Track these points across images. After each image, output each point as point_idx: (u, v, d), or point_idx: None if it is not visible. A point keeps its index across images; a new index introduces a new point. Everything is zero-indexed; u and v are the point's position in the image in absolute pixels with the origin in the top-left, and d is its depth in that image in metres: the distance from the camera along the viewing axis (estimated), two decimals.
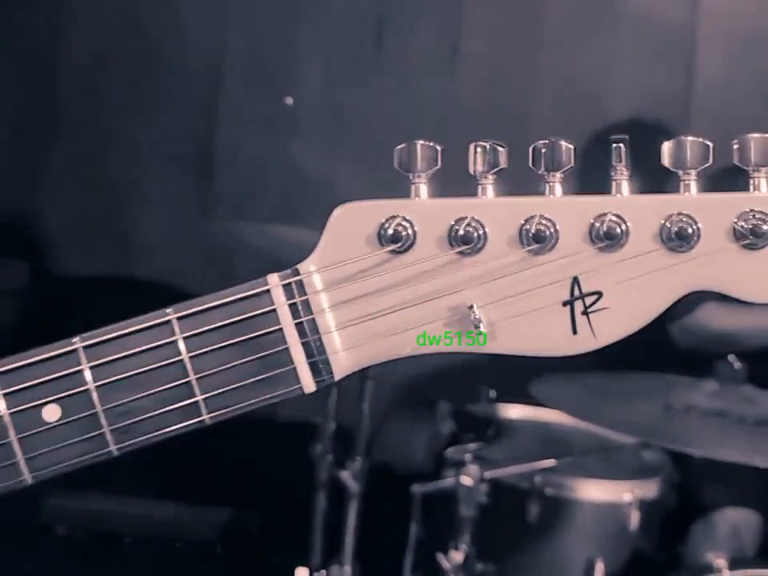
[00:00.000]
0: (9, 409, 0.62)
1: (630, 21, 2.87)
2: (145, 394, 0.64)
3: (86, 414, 0.64)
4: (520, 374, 1.70)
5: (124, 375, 0.64)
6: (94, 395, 0.63)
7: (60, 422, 0.63)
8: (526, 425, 2.10)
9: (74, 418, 0.64)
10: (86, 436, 0.64)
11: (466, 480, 1.65)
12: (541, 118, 2.92)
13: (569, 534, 1.90)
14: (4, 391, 0.63)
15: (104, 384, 0.64)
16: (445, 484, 1.72)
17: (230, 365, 0.66)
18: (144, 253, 3.14)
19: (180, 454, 2.98)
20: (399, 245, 0.68)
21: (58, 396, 0.63)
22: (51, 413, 0.63)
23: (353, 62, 3.13)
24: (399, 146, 0.71)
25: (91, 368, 0.63)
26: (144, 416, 0.65)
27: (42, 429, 0.64)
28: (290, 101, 3.12)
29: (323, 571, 2.16)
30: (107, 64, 3.13)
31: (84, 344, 0.63)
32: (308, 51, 3.12)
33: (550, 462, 1.79)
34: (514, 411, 2.13)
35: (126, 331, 0.63)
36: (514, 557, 1.87)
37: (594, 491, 1.93)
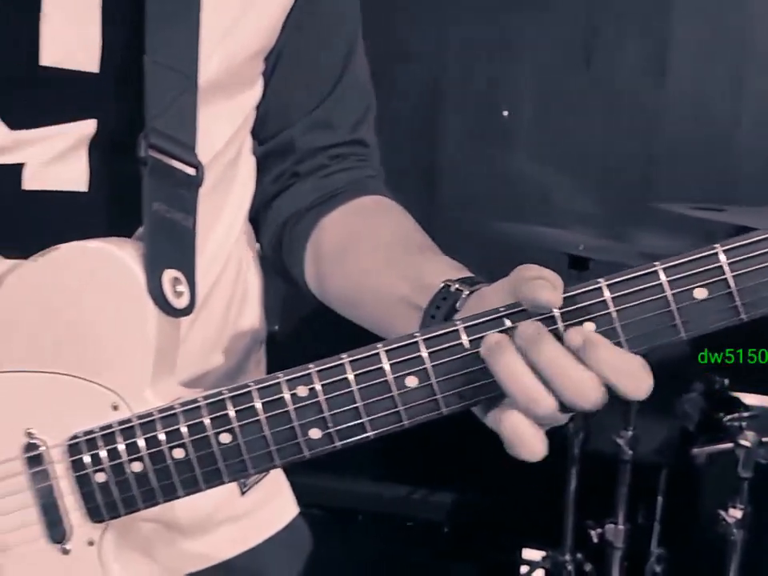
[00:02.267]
0: None
1: None
2: None
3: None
4: None
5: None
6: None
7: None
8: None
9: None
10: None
11: (746, 442, 1.84)
12: (747, 137, 3.00)
13: None
14: None
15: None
16: (723, 447, 1.90)
17: None
18: None
19: (412, 438, 3.18)
20: None
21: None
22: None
23: (563, 78, 3.31)
24: None
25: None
26: None
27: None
28: (505, 114, 3.32)
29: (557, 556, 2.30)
30: None
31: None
32: (522, 68, 3.27)
33: None
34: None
35: None
36: None
37: None
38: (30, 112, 0.83)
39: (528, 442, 0.68)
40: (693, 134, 3.08)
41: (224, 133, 0.92)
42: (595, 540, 2.10)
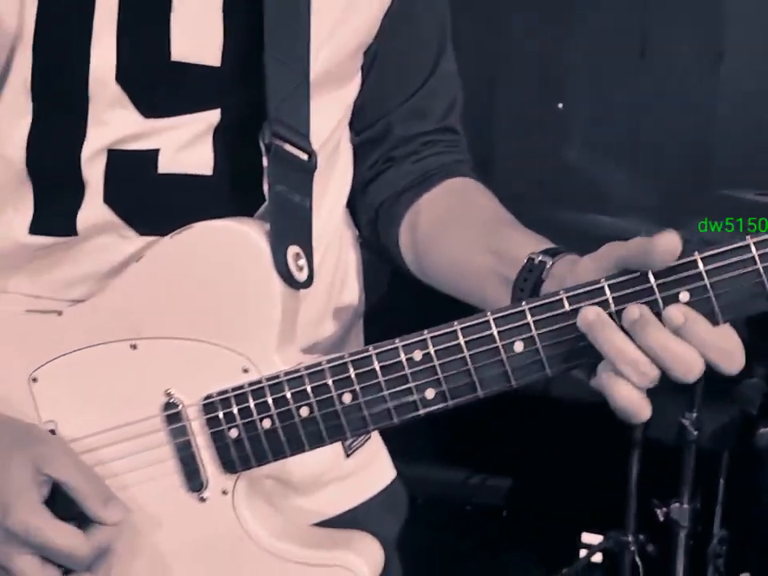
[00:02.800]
0: None
1: None
2: None
3: None
4: None
5: None
6: None
7: None
8: None
9: None
10: None
11: None
12: None
13: None
14: None
15: None
16: None
17: None
18: None
19: (471, 422, 3.22)
20: None
21: None
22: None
23: (618, 69, 3.35)
24: None
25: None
26: None
27: None
28: (560, 106, 3.37)
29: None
30: None
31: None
32: (576, 60, 3.30)
33: None
34: None
35: None
36: None
37: None
38: (162, 103, 0.91)
39: (639, 407, 0.76)
40: (748, 121, 3.09)
41: (328, 123, 1.00)
42: (661, 518, 2.15)
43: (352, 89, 1.03)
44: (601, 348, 0.76)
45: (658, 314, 0.76)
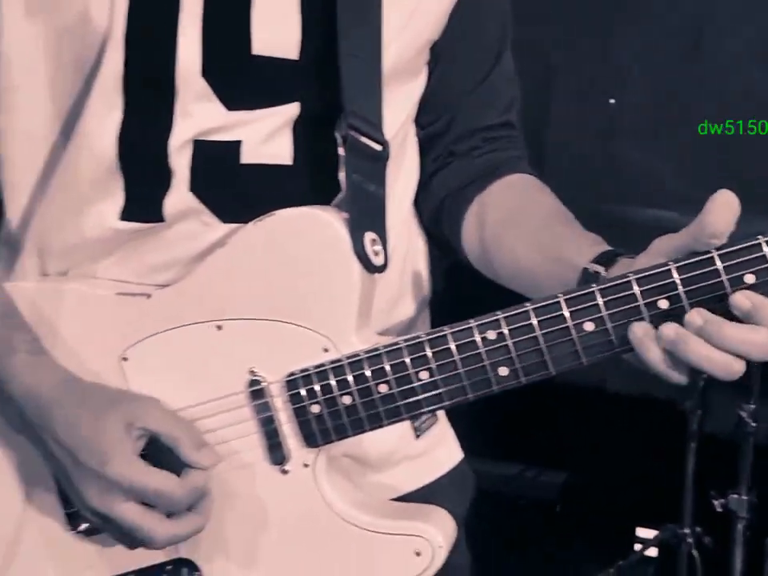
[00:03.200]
0: None
1: None
2: None
3: None
4: None
5: None
6: None
7: None
8: None
9: None
10: None
11: None
12: None
13: None
14: None
15: None
16: None
17: None
18: None
19: (526, 415, 3.20)
20: None
21: None
22: None
23: (672, 64, 3.35)
24: None
25: None
26: None
27: None
28: (612, 101, 3.38)
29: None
30: None
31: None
32: (629, 56, 3.28)
33: None
34: None
35: None
36: None
37: None
38: (244, 96, 0.95)
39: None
40: None
41: (399, 116, 1.04)
42: (719, 509, 2.17)
43: (419, 83, 1.07)
44: (687, 358, 0.79)
45: (726, 296, 0.79)
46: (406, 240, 1.09)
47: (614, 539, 2.90)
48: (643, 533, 2.84)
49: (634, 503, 2.89)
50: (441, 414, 1.05)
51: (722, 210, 0.78)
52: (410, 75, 1.05)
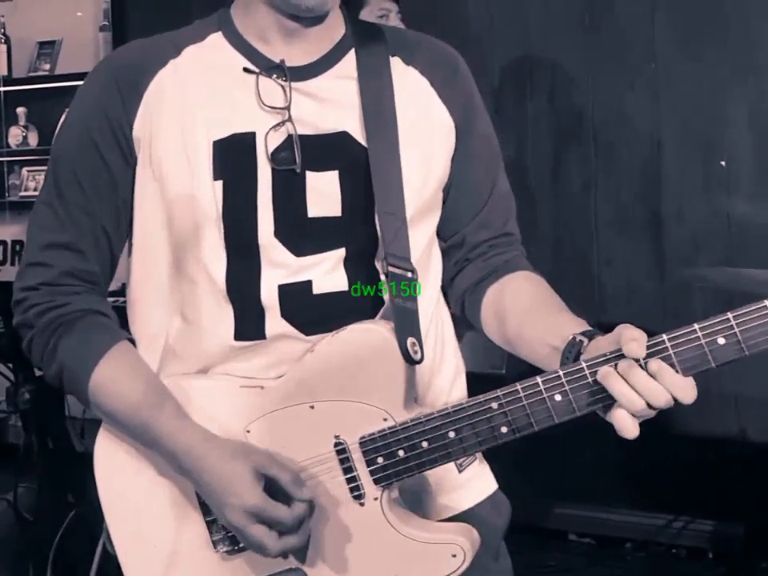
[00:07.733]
0: None
1: None
2: None
3: None
4: None
5: None
6: None
7: None
8: None
9: None
10: None
11: None
12: None
13: None
14: None
15: None
16: None
17: None
18: (611, 302, 3.68)
19: (674, 467, 3.42)
20: None
21: None
22: None
23: None
24: None
25: None
26: None
27: None
28: (723, 163, 3.54)
29: None
30: (568, 147, 3.76)
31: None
32: (737, 115, 3.49)
33: None
34: None
35: None
36: None
37: None
38: (306, 246, 1.36)
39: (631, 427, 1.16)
40: None
41: (422, 242, 1.43)
42: None
43: (436, 216, 1.47)
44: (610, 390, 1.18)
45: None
46: (435, 328, 1.46)
47: None
48: None
49: None
50: (479, 455, 1.44)
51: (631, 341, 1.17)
52: (429, 213, 1.45)
